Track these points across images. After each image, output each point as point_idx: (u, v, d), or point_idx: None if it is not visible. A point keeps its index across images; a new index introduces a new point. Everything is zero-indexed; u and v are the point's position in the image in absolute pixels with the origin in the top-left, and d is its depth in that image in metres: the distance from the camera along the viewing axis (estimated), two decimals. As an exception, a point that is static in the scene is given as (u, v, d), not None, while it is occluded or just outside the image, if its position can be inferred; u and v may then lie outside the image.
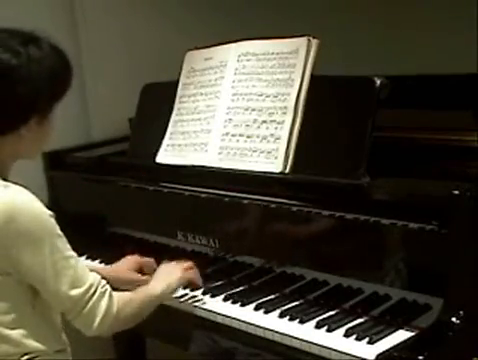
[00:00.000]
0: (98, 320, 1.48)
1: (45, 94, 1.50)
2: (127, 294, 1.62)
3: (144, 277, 1.90)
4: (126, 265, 1.91)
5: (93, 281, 1.50)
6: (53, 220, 1.49)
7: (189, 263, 1.78)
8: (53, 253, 1.46)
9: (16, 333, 1.50)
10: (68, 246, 1.51)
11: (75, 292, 1.47)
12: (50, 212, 1.49)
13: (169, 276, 1.73)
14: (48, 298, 1.51)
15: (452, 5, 2.39)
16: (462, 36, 2.37)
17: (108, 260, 2.15)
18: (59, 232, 1.49)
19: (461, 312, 1.44)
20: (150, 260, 1.94)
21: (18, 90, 1.46)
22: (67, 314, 1.51)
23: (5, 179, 1.53)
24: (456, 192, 1.44)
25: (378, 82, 1.70)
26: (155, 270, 1.93)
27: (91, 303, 1.48)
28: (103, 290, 1.50)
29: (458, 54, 2.29)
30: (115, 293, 1.54)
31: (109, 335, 1.61)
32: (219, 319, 1.70)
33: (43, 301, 1.52)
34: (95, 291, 1.48)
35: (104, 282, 1.53)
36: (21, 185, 1.50)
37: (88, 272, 1.51)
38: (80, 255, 1.87)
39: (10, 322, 1.49)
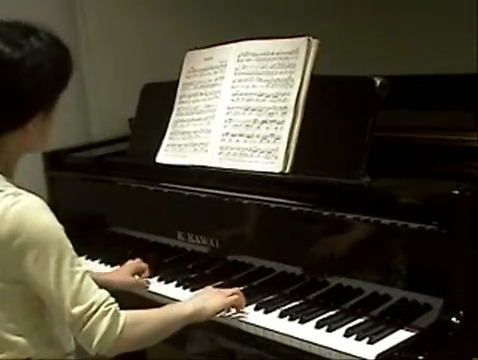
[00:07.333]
0: (97, 339, 1.41)
1: (50, 86, 1.47)
2: (142, 313, 1.52)
3: (139, 281, 1.92)
4: (124, 270, 1.93)
5: (96, 299, 1.42)
6: (63, 233, 1.44)
7: (235, 289, 1.71)
8: (58, 267, 1.41)
9: (23, 340, 1.47)
10: (76, 261, 1.45)
11: (76, 309, 1.40)
12: (59, 225, 1.45)
13: (207, 300, 1.64)
14: (52, 311, 1.48)
15: (452, 5, 2.39)
16: (462, 36, 2.37)
17: (108, 260, 2.15)
18: (68, 245, 1.44)
19: (461, 312, 1.44)
20: (145, 265, 1.95)
21: (23, 84, 1.42)
22: (70, 329, 1.47)
23: (10, 178, 1.51)
24: (456, 192, 1.44)
25: (378, 82, 1.70)
26: (146, 274, 1.95)
27: (91, 322, 1.40)
28: (106, 309, 1.42)
29: (458, 54, 2.29)
30: (125, 312, 1.46)
31: (116, 354, 1.47)
32: (219, 319, 1.70)
33: None
34: (96, 310, 1.41)
35: (111, 300, 1.44)
36: (35, 193, 1.46)
37: (93, 289, 1.44)
38: (80, 255, 1.88)
39: (18, 329, 1.47)
